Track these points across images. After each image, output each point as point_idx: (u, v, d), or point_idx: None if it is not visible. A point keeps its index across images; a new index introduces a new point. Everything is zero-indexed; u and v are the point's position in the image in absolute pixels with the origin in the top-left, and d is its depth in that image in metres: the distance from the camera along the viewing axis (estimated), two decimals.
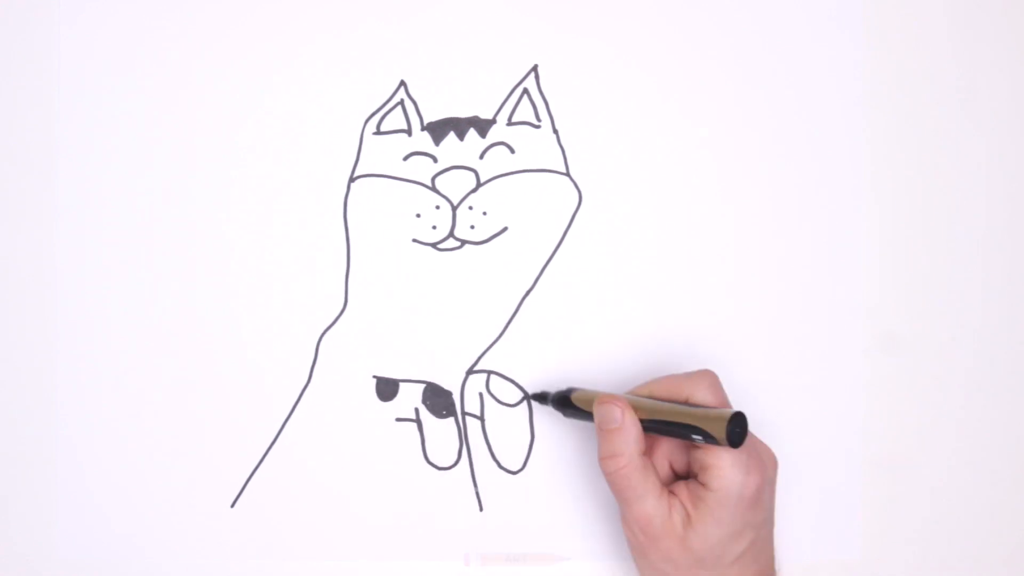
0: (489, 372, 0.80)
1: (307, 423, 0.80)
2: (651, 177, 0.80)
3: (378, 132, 0.80)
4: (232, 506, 0.80)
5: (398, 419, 0.80)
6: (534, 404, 0.80)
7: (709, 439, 0.69)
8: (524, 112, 0.79)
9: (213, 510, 0.80)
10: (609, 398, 0.72)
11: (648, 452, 0.73)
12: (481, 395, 0.80)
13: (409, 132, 0.79)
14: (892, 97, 0.80)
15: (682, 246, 0.78)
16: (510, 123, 0.79)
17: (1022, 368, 0.81)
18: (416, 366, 0.80)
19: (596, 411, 0.73)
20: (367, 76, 0.80)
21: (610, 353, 0.80)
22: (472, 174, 0.79)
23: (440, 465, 0.80)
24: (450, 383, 0.80)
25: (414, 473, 0.80)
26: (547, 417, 0.80)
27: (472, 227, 0.79)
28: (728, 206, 0.80)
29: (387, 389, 0.80)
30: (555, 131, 0.80)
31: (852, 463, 0.81)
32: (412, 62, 0.80)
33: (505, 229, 0.79)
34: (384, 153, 0.80)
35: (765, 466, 0.71)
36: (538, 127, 0.80)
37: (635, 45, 0.80)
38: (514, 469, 0.80)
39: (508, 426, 0.80)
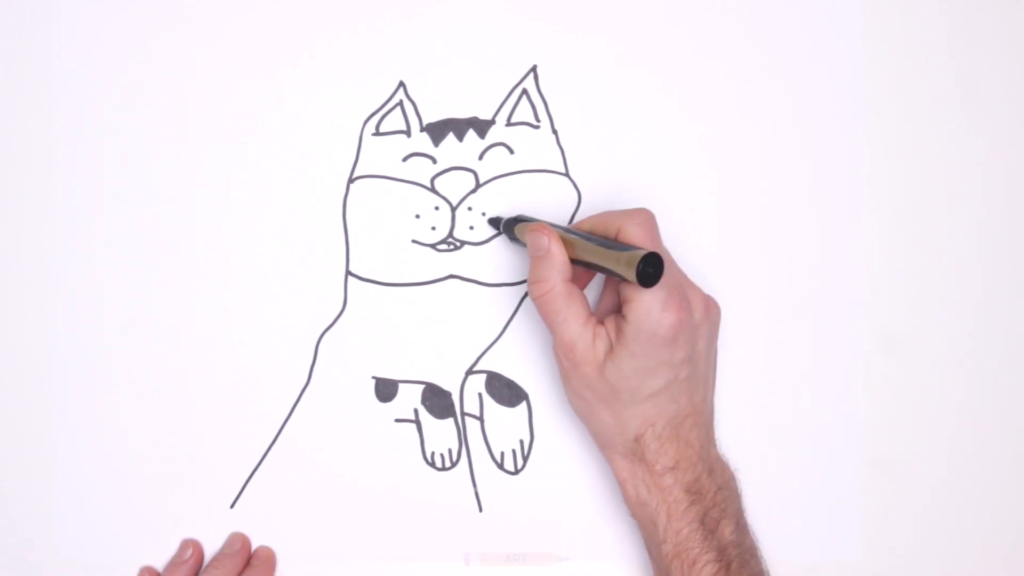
0: (488, 372, 0.80)
1: (306, 424, 0.80)
2: (650, 177, 0.80)
3: (377, 133, 0.80)
4: (232, 506, 0.80)
5: (397, 420, 0.80)
6: (533, 406, 0.80)
7: (624, 277, 0.69)
8: (523, 113, 0.79)
9: (213, 510, 0.80)
10: (538, 226, 0.73)
11: (579, 282, 0.75)
12: (480, 395, 0.80)
13: (408, 133, 0.79)
14: (892, 97, 0.80)
15: (681, 246, 0.78)
16: (509, 124, 0.79)
17: (1022, 368, 0.81)
18: (415, 367, 0.80)
19: (528, 236, 0.74)
20: (366, 77, 0.79)
21: None
22: (471, 175, 0.79)
23: (439, 466, 0.80)
24: (449, 384, 0.80)
25: (413, 474, 0.80)
26: (547, 417, 0.80)
27: (471, 228, 0.79)
28: (728, 206, 0.80)
29: (386, 390, 0.80)
30: (554, 131, 0.80)
31: (852, 463, 0.81)
32: (411, 63, 0.80)
33: None
34: (383, 154, 0.80)
35: (690, 308, 0.71)
36: (537, 127, 0.80)
37: (635, 45, 0.80)
38: (513, 470, 0.80)
39: (508, 426, 0.80)
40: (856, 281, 0.80)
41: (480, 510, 0.80)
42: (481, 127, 0.79)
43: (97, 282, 0.80)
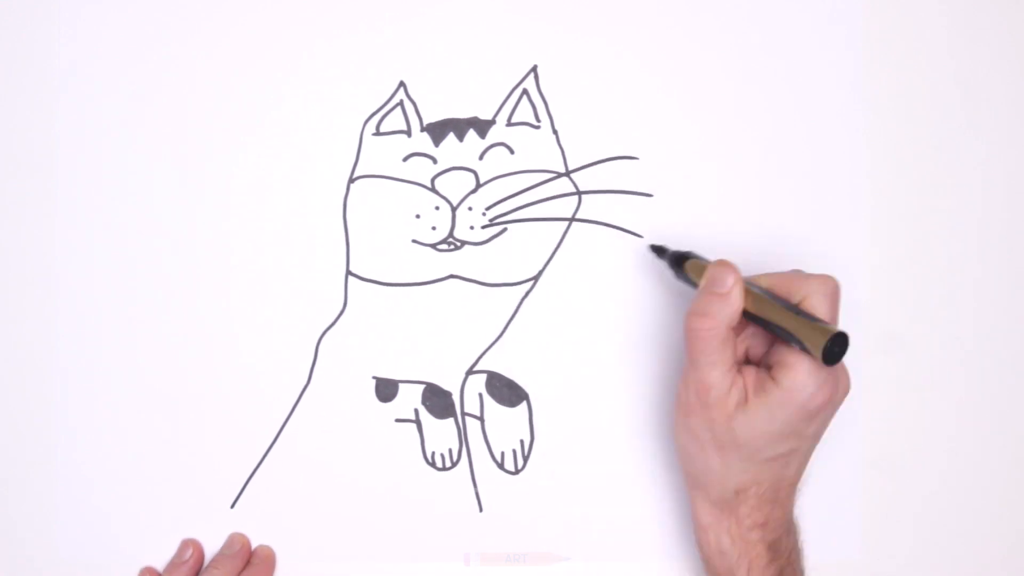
0: (489, 372, 0.80)
1: (307, 424, 0.80)
2: (651, 178, 0.80)
3: (378, 133, 0.80)
4: (232, 507, 0.80)
5: (398, 420, 0.80)
6: (533, 406, 0.80)
7: (803, 347, 0.68)
8: (524, 113, 0.79)
9: (213, 510, 0.80)
10: (728, 265, 0.72)
11: (734, 328, 0.72)
12: (481, 395, 0.80)
13: (409, 133, 0.79)
14: (892, 97, 0.80)
15: (681, 246, 0.78)
16: (509, 124, 0.79)
17: (1022, 368, 0.81)
18: (415, 367, 0.80)
19: (710, 270, 0.72)
20: (367, 77, 0.80)
21: (610, 353, 0.80)
22: (472, 175, 0.79)
23: (440, 466, 0.80)
24: (450, 384, 0.80)
25: (414, 474, 0.80)
26: (547, 417, 0.80)
27: (472, 228, 0.79)
28: (728, 206, 0.80)
29: (387, 390, 0.80)
30: (555, 131, 0.80)
31: (852, 463, 0.81)
32: (412, 62, 0.80)
33: (505, 230, 0.79)
34: (384, 154, 0.80)
35: (837, 387, 0.71)
36: (537, 128, 0.80)
37: (635, 45, 0.80)
38: (514, 470, 0.80)
39: (508, 426, 0.80)
40: (856, 281, 0.80)
41: (480, 510, 0.80)
42: (481, 127, 0.79)
43: (97, 282, 0.80)
